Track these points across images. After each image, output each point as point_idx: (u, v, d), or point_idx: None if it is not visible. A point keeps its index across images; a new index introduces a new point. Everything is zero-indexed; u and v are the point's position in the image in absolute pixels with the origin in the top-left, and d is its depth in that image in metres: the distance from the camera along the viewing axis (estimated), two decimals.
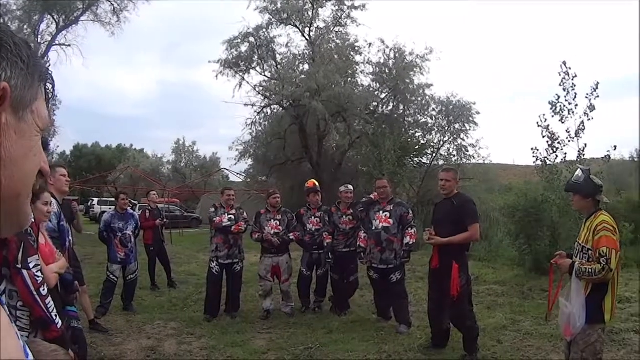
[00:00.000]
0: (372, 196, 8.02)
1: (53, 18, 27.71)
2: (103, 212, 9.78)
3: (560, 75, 11.71)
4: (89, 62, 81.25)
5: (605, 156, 11.69)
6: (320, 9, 25.18)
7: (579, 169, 4.71)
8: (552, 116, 11.87)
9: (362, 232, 8.01)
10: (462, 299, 6.09)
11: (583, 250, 4.37)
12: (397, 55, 24.96)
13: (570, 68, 11.62)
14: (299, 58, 25.51)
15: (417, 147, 25.07)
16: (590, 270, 4.15)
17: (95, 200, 39.93)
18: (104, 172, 49.48)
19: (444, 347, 6.49)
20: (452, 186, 6.39)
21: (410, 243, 7.60)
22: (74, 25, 28.31)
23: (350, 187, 8.99)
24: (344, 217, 8.61)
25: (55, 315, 3.52)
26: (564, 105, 11.68)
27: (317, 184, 9.27)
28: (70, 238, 5.50)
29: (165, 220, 12.21)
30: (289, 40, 25.58)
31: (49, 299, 3.50)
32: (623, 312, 7.66)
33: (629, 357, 5.99)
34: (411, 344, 6.70)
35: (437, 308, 6.41)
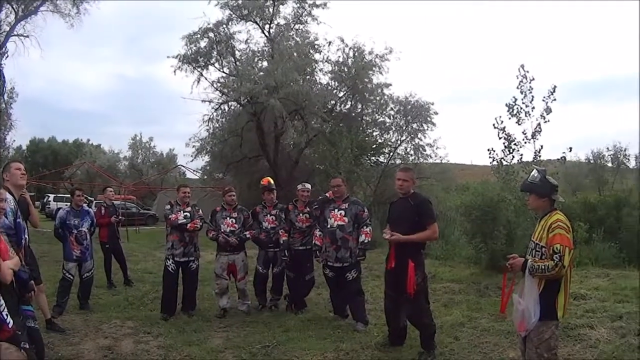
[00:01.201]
0: (327, 194, 8.03)
1: (12, 7, 27.09)
2: (59, 209, 9.60)
3: (518, 78, 11.88)
4: (48, 54, 79.96)
5: (561, 157, 11.87)
6: (281, 6, 24.99)
7: (535, 169, 4.78)
8: (509, 118, 12.02)
9: (318, 230, 8.01)
10: (418, 297, 6.12)
11: (536, 248, 4.45)
12: (356, 54, 24.87)
13: (528, 71, 11.81)
14: (258, 55, 25.24)
15: (375, 146, 25.11)
16: (543, 267, 4.23)
17: (52, 196, 39.22)
18: (60, 167, 48.81)
19: (402, 344, 6.53)
20: (410, 186, 6.39)
21: (366, 241, 7.62)
22: (33, 16, 27.78)
23: (308, 185, 8.95)
24: (301, 215, 8.58)
25: (7, 315, 3.45)
26: (521, 108, 11.83)
27: (271, 181, 9.20)
28: (27, 236, 5.39)
29: (120, 217, 12.04)
30: (249, 36, 25.34)
31: None
32: (578, 308, 7.83)
33: (584, 352, 6.12)
34: (368, 342, 6.70)
35: (394, 306, 6.42)
